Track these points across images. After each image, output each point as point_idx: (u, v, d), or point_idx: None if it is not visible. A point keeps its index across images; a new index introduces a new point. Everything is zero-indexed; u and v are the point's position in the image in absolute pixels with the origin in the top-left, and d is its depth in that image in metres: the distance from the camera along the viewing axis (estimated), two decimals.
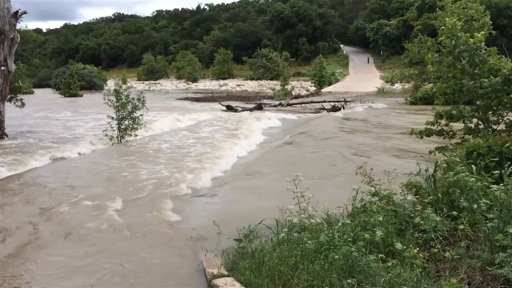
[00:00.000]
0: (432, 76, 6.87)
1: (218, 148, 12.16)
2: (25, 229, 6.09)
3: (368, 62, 67.48)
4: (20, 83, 17.66)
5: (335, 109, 24.44)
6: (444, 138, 6.79)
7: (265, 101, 35.01)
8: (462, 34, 6.30)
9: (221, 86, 58.82)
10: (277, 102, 30.24)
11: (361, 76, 53.10)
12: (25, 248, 5.43)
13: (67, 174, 9.59)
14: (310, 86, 48.96)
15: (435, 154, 6.50)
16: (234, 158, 11.34)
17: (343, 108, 24.49)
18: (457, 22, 6.40)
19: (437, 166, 4.96)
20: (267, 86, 54.42)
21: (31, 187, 8.63)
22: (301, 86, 51.57)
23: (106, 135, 13.75)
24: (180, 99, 38.66)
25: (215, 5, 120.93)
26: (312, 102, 27.68)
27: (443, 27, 6.48)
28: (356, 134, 14.87)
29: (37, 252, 5.33)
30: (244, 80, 65.40)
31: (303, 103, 28.01)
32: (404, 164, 8.89)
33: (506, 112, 6.31)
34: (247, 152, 12.53)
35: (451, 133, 6.76)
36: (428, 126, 6.72)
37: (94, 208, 7.02)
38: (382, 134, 14.61)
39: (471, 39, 6.25)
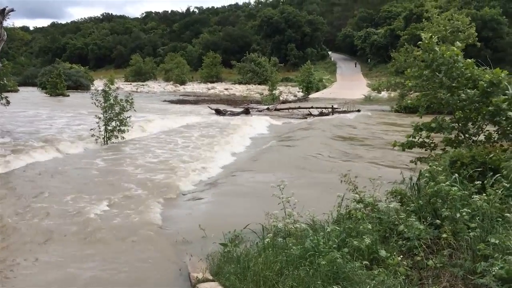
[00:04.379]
0: (411, 90, 7.00)
1: (204, 151, 12.14)
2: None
3: (356, 66, 68.17)
4: (5, 81, 17.38)
5: (322, 115, 24.58)
6: (426, 150, 6.88)
7: (253, 105, 34.87)
8: (437, 49, 6.42)
9: (209, 89, 58.68)
10: (265, 107, 30.25)
11: (349, 83, 53.54)
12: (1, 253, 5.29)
13: (50, 175, 9.45)
14: (298, 92, 49.04)
15: (416, 163, 6.57)
16: (222, 161, 11.39)
17: (332, 115, 24.60)
18: (433, 36, 6.54)
19: (420, 174, 5.02)
20: (255, 90, 54.35)
21: (6, 189, 8.46)
22: (289, 91, 51.65)
23: (93, 135, 13.60)
24: (167, 101, 38.42)
25: (204, 8, 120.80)
26: (299, 108, 27.77)
27: (420, 42, 6.62)
28: (344, 141, 14.95)
29: (17, 256, 5.21)
30: (232, 84, 65.30)
31: (290, 108, 28.08)
32: (389, 173, 8.99)
33: (485, 124, 6.41)
34: (234, 155, 12.57)
35: (432, 144, 6.84)
36: (410, 139, 6.79)
37: (77, 211, 6.90)
38: (368, 142, 14.73)
39: (448, 52, 6.36)
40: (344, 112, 25.70)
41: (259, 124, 20.47)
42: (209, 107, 27.93)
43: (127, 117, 14.01)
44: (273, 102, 33.88)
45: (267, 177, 9.10)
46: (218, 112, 26.19)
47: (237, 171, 10.17)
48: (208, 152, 12.07)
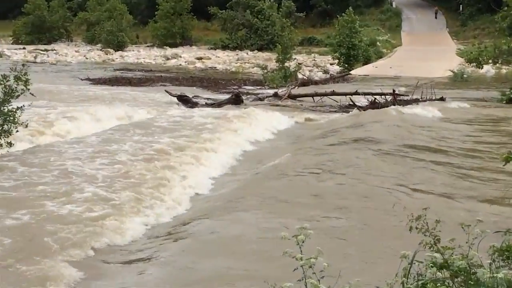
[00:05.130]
0: None
1: (154, 181, 12.13)
2: None
3: (436, 17, 68.52)
4: None
5: (374, 107, 24.65)
6: None
7: (247, 88, 35.09)
8: None
9: (168, 59, 59.13)
10: (270, 91, 30.44)
11: (424, 49, 54.02)
12: None
13: None
14: (331, 65, 49.21)
15: None
16: (186, 197, 11.61)
17: (393, 106, 24.66)
18: None
19: None
20: (252, 61, 54.65)
21: None
22: (315, 63, 51.91)
23: None
24: (91, 80, 38.52)
25: None
26: (334, 93, 27.87)
27: None
28: (416, 156, 15.00)
29: None
30: (211, 49, 65.65)
31: (316, 94, 28.19)
32: (496, 215, 8.95)
33: None
34: (213, 180, 12.80)
35: None
36: None
37: None
38: (462, 159, 14.79)
39: None
40: (415, 101, 25.79)
41: (259, 123, 20.63)
42: (167, 92, 27.99)
43: (17, 108, 13.99)
44: (284, 83, 34.02)
45: (269, 221, 9.17)
46: (184, 100, 26.32)
47: (215, 210, 10.29)
48: (160, 182, 12.04)
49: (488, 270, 4.74)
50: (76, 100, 26.55)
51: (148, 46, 70.51)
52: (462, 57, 43.64)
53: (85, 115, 20.45)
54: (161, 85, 34.92)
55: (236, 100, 26.44)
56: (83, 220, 9.56)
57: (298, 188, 11.63)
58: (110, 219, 9.61)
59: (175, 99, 26.80)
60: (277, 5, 64.09)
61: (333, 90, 28.35)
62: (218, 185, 12.75)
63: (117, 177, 12.19)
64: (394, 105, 24.83)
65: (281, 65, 37.14)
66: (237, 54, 60.26)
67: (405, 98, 26.57)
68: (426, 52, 51.69)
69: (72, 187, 11.30)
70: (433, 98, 26.39)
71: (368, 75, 42.39)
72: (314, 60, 54.71)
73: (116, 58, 60.18)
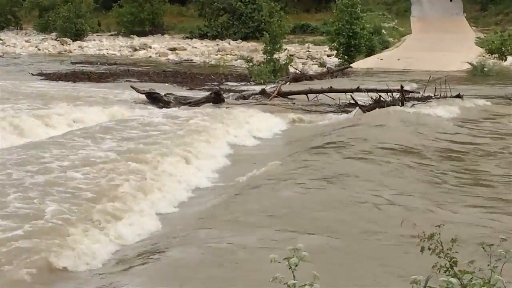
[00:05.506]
0: None
1: (109, 201, 12.02)
2: None
3: (452, 0, 68.53)
4: None
5: (378, 105, 24.59)
6: None
7: (230, 84, 34.96)
8: None
9: (136, 50, 59.00)
10: (256, 88, 30.42)
11: (437, 37, 54.16)
12: None
13: None
14: (328, 57, 49.26)
15: None
16: (150, 217, 11.64)
17: (401, 105, 24.64)
18: None
19: None
20: (235, 53, 54.57)
21: None
22: (309, 55, 51.98)
23: None
24: (43, 75, 38.17)
25: None
26: (331, 90, 27.83)
27: None
28: (428, 162, 15.06)
29: None
30: (187, 38, 65.59)
31: (312, 91, 28.09)
32: None
33: None
34: (193, 193, 13.09)
35: None
36: None
37: None
38: (485, 165, 14.84)
39: None
40: (427, 99, 25.83)
41: (242, 127, 20.69)
42: (133, 88, 27.83)
43: None
44: (273, 78, 33.99)
45: (258, 238, 9.23)
46: (154, 98, 26.09)
47: (190, 229, 10.31)
48: (122, 202, 11.95)
49: None
50: (24, 99, 26.19)
51: (112, 35, 70.43)
52: (482, 47, 43.91)
53: (30, 119, 20.36)
54: (127, 80, 34.67)
55: (216, 99, 26.28)
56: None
57: (285, 202, 11.63)
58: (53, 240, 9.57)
59: (143, 97, 26.62)
60: None
61: (331, 87, 28.28)
62: (186, 204, 12.73)
63: (63, 197, 12.16)
64: (403, 103, 24.83)
65: (269, 57, 37.12)
66: (217, 44, 60.25)
67: (416, 95, 26.60)
68: (440, 41, 51.81)
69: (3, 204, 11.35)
70: (449, 95, 26.43)
71: (372, 69, 42.48)
72: (308, 51, 54.81)
73: (74, 50, 59.96)
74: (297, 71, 37.84)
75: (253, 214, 10.86)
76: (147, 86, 29.30)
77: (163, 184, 13.73)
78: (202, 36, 64.77)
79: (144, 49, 59.06)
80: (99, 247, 9.84)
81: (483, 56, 40.14)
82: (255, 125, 21.46)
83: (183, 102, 26.18)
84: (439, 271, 4.92)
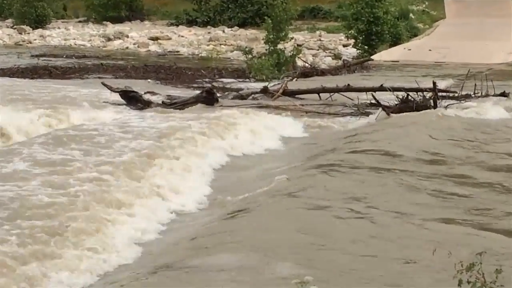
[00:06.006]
0: None
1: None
2: None
3: None
4: None
5: (405, 107, 24.51)
6: None
7: (225, 81, 35.18)
8: None
9: (110, 39, 59.32)
10: (257, 86, 30.53)
11: (478, 23, 54.10)
12: None
13: None
14: (345, 47, 49.32)
15: None
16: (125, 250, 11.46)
17: (434, 106, 24.57)
18: None
19: None
20: (231, 42, 54.68)
21: None
22: (321, 45, 51.95)
23: None
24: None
25: None
26: (348, 88, 27.79)
27: None
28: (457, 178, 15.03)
29: None
30: (172, 25, 65.69)
31: (325, 90, 28.08)
32: None
33: None
34: (178, 215, 13.07)
35: None
36: None
37: None
38: None
39: None
40: (465, 98, 25.77)
41: (239, 134, 20.62)
42: (105, 85, 27.62)
43: None
44: (278, 74, 34.02)
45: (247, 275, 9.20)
46: (131, 98, 26.03)
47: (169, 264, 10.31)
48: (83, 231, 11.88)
49: None
50: None
51: (80, 22, 70.64)
52: None
53: None
54: (98, 77, 34.73)
55: (208, 99, 26.23)
56: None
57: (290, 227, 11.66)
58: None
59: (117, 97, 26.42)
60: None
61: (348, 84, 28.21)
62: (169, 231, 12.64)
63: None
64: (436, 104, 24.77)
65: (272, 48, 37.29)
66: (209, 32, 60.41)
67: (451, 94, 26.56)
68: (481, 27, 51.90)
69: None
70: (492, 93, 26.40)
71: (397, 61, 42.62)
72: (320, 40, 54.85)
73: (35, 40, 60.29)
74: (307, 64, 37.95)
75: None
76: (123, 84, 29.21)
77: (138, 207, 13.60)
78: (191, 23, 64.85)
79: (119, 38, 59.30)
80: None
81: None
82: (254, 131, 21.41)
83: (167, 103, 26.08)
84: None
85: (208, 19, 64.30)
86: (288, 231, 11.32)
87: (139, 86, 29.74)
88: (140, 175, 15.41)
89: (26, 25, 64.86)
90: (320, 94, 27.69)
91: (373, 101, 25.19)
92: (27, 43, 57.77)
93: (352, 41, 47.45)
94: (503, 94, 26.17)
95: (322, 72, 36.31)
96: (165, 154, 17.29)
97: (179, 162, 16.94)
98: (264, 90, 28.16)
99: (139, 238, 11.76)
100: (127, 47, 55.39)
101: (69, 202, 12.84)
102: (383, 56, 43.94)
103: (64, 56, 47.41)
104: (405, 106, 24.61)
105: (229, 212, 13.08)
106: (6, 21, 68.37)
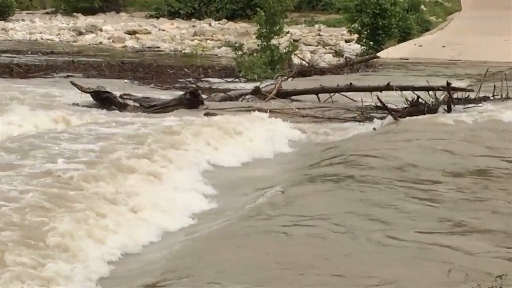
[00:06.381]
0: None
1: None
2: None
3: None
4: None
5: (415, 110, 24.43)
6: None
7: (211, 81, 35.33)
8: None
9: (81, 33, 59.29)
10: (247, 86, 30.69)
11: (496, 17, 54.23)
12: None
13: None
14: (347, 43, 49.43)
15: None
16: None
17: (448, 109, 24.48)
18: None
19: None
20: (218, 37, 54.69)
21: None
22: (320, 40, 52.07)
23: None
24: None
25: None
26: (350, 88, 27.77)
27: None
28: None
29: None
30: (151, 18, 65.74)
31: (324, 90, 28.05)
32: None
33: None
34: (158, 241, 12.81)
35: None
36: None
37: None
38: None
39: None
40: (483, 100, 25.68)
41: (227, 143, 20.59)
42: (74, 85, 27.55)
43: None
44: (271, 72, 34.04)
45: None
46: (104, 100, 26.02)
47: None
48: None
49: None
50: None
51: (48, 14, 70.61)
52: None
53: None
54: (67, 75, 34.70)
55: (192, 101, 26.27)
56: None
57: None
58: None
59: (89, 98, 26.39)
60: None
61: (350, 84, 28.30)
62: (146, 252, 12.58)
63: None
64: (450, 108, 24.73)
65: (265, 44, 37.30)
66: (193, 26, 60.61)
67: (467, 95, 26.50)
68: (499, 21, 51.90)
69: None
70: None
71: (407, 59, 42.63)
72: (320, 35, 55.12)
73: None
74: (304, 62, 37.97)
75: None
76: (96, 84, 29.14)
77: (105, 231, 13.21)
78: (173, 15, 64.92)
79: (92, 32, 59.28)
80: None
81: None
82: (243, 139, 21.33)
83: (145, 105, 26.01)
84: None
85: (193, 11, 64.37)
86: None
87: (113, 86, 29.68)
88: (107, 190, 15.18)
89: None
90: (319, 95, 27.70)
91: (379, 104, 25.02)
92: None
93: (355, 36, 47.51)
94: None
95: (322, 71, 36.37)
96: (138, 166, 17.04)
97: (154, 174, 16.69)
98: (256, 91, 28.18)
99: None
100: (100, 42, 55.48)
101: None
102: (390, 53, 43.92)
103: (29, 52, 47.40)
104: (415, 109, 24.54)
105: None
106: None
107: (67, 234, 11.91)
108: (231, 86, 32.79)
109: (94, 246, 11.93)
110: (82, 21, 63.88)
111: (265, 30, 37.02)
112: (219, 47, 49.70)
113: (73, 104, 26.17)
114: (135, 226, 13.17)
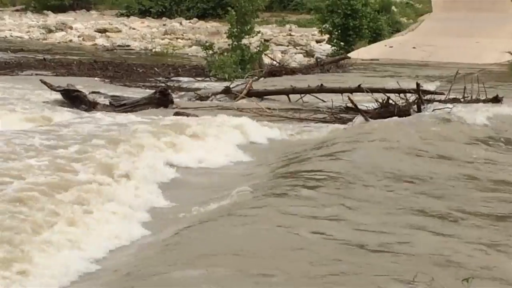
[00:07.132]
0: None
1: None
2: None
3: None
4: None
5: (387, 111, 24.49)
6: None
7: (182, 80, 35.37)
8: None
9: (51, 31, 59.15)
10: (218, 85, 30.64)
11: (468, 18, 54.32)
12: None
13: None
14: (318, 43, 49.45)
15: None
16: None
17: (418, 109, 24.54)
18: None
19: None
20: (189, 36, 54.74)
21: None
22: (291, 40, 52.10)
23: None
24: None
25: None
26: (321, 89, 27.78)
27: None
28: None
29: None
30: (122, 16, 65.60)
31: (295, 91, 28.03)
32: None
33: None
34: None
35: None
36: None
37: None
38: None
39: None
40: (453, 102, 25.68)
41: (193, 144, 20.23)
42: (43, 82, 27.41)
43: None
44: (242, 72, 34.05)
45: None
46: (73, 98, 25.81)
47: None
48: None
49: None
50: None
51: (18, 11, 70.24)
52: None
53: None
54: (36, 73, 34.56)
55: (162, 100, 26.22)
56: None
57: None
58: None
59: (58, 96, 26.26)
60: None
61: (321, 85, 28.19)
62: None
63: None
64: (420, 109, 24.81)
65: (236, 44, 37.35)
66: (164, 25, 60.39)
67: (437, 97, 26.57)
68: (471, 23, 52.06)
69: None
70: (483, 98, 26.42)
71: (377, 60, 42.72)
72: (291, 35, 55.10)
73: None
74: (275, 62, 37.99)
75: None
76: (65, 82, 28.95)
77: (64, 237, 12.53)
78: (143, 13, 64.68)
79: (62, 30, 58.97)
80: None
81: None
82: (210, 140, 20.90)
83: (115, 103, 25.85)
84: None
85: (164, 10, 64.13)
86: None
87: (83, 84, 29.63)
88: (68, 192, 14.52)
89: None
90: (290, 96, 27.71)
91: (349, 105, 25.20)
92: None
93: (326, 36, 47.52)
94: (496, 99, 26.12)
95: (292, 71, 36.36)
96: (105, 166, 16.55)
97: (123, 176, 16.14)
98: (226, 91, 28.18)
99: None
100: (70, 40, 55.23)
101: None
102: (361, 53, 43.94)
103: (3, 50, 47.10)
104: (385, 110, 24.59)
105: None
106: None
107: None
108: (201, 85, 32.69)
109: None
110: (52, 18, 63.55)
111: (236, 29, 37.01)
112: (190, 46, 49.66)
113: (43, 102, 25.99)
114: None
